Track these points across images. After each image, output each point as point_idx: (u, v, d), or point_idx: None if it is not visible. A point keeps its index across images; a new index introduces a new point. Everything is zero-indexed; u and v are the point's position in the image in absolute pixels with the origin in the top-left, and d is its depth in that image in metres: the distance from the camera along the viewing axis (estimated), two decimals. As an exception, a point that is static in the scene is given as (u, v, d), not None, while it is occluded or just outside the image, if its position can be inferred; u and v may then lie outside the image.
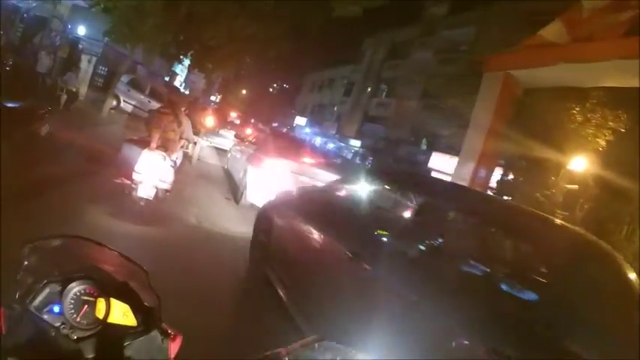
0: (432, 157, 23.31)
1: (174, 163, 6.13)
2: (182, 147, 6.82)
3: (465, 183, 10.09)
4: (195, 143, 11.39)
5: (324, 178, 8.10)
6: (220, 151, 15.11)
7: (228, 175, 11.11)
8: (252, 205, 7.77)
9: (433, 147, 24.93)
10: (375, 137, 31.79)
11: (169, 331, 1.11)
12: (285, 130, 36.43)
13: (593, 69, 8.36)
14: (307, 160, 8.60)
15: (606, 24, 7.88)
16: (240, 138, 12.08)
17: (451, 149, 22.08)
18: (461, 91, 23.73)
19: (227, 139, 15.39)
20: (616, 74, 8.36)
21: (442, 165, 22.40)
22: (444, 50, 27.96)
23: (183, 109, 6.54)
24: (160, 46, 16.62)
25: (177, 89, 10.82)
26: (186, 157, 10.85)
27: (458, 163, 11.20)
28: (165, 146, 5.95)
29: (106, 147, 8.58)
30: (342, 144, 34.50)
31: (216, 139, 15.56)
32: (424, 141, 27.83)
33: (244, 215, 7.48)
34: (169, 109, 6.19)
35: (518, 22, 22.33)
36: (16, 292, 1.06)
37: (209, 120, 15.48)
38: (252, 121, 23.31)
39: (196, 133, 11.18)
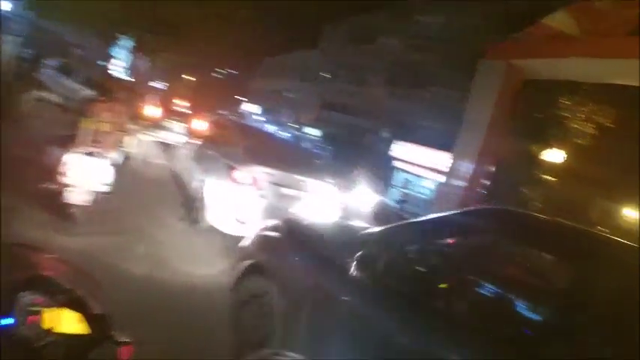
0: (400, 146, 21.91)
1: (114, 160, 5.16)
2: (121, 142, 5.71)
3: (462, 181, 9.43)
4: (138, 139, 9.22)
5: (313, 187, 6.36)
6: (168, 148, 12.82)
7: (179, 181, 8.79)
8: (212, 228, 5.89)
9: (401, 137, 23.59)
10: (336, 126, 30.01)
11: (120, 340, 1.08)
12: (235, 116, 34.14)
13: (606, 65, 7.76)
14: (285, 162, 6.74)
15: (618, 19, 7.37)
16: (194, 133, 9.82)
17: (423, 140, 21.17)
18: (432, 81, 22.77)
19: (175, 133, 13.09)
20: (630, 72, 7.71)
21: (410, 155, 21.23)
22: (413, 37, 26.47)
23: (120, 95, 5.75)
24: (99, 23, 14.35)
25: (113, 74, 8.62)
26: (127, 156, 8.81)
27: (453, 159, 10.14)
28: (99, 141, 4.96)
29: (22, 149, 6.51)
30: (299, 133, 32.45)
31: (162, 132, 13.10)
32: (387, 130, 26.47)
33: (209, 244, 5.66)
34: (103, 97, 5.44)
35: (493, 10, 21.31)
36: None
37: (153, 110, 13.19)
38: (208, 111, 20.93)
39: (139, 125, 9.00)
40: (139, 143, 9.32)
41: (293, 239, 3.37)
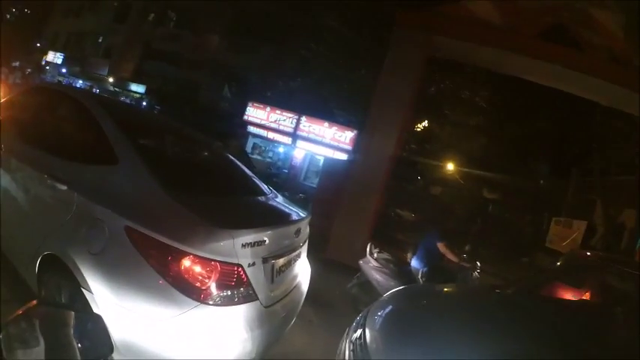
0: (248, 109, 18.31)
1: None
2: None
3: (377, 165, 8.27)
4: None
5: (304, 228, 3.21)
6: None
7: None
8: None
9: (243, 95, 20.03)
10: (162, 79, 24.70)
11: None
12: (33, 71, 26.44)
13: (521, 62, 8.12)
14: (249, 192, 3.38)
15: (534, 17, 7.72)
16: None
17: (272, 101, 18.29)
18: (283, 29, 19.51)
19: None
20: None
21: (259, 116, 17.92)
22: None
23: None
24: None
25: None
26: None
27: (368, 139, 8.64)
28: None
29: None
30: (118, 89, 26.10)
31: None
32: (226, 88, 22.67)
33: None
34: None
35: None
36: None
37: None
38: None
39: None
40: None
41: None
